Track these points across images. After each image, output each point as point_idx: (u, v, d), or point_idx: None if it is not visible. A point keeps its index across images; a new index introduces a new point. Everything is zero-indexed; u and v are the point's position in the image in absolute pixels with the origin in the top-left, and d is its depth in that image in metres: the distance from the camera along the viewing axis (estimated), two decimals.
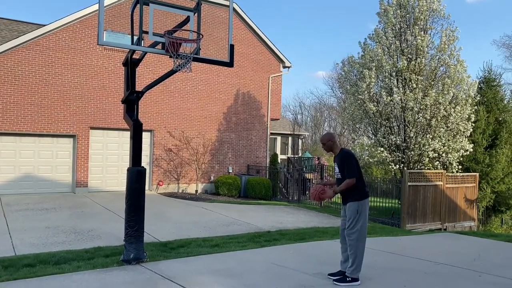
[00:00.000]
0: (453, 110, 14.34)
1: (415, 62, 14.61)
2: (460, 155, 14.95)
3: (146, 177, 7.86)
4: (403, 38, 15.08)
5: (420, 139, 14.51)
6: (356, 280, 4.88)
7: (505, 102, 18.78)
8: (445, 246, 7.65)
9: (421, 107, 14.20)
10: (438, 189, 13.61)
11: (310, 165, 20.06)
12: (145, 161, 13.34)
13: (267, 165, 17.70)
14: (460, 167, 15.31)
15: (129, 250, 5.58)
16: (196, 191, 15.80)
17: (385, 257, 6.37)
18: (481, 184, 16.13)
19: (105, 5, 12.97)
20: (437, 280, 5.20)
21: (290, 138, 25.91)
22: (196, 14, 5.73)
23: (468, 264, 5.98)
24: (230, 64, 5.84)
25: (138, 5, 5.36)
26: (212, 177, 16.37)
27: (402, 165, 14.86)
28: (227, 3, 14.28)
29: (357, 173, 4.97)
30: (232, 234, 8.20)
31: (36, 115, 13.00)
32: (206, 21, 15.58)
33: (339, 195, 5.20)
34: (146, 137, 14.74)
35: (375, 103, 14.99)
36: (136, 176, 5.69)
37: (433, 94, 14.12)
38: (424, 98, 14.25)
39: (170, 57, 5.39)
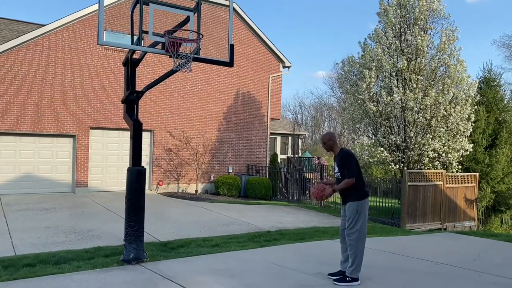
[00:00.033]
0: (453, 110, 14.35)
1: (415, 62, 14.61)
2: (460, 155, 14.96)
3: (146, 177, 7.86)
4: (403, 38, 15.08)
5: (420, 139, 14.51)
6: (356, 280, 4.88)
7: (505, 102, 18.78)
8: (445, 246, 7.65)
9: (421, 107, 14.21)
10: (438, 189, 13.61)
11: (310, 165, 20.07)
12: (145, 161, 13.33)
13: (267, 165, 17.70)
14: (460, 167, 15.31)
15: (129, 250, 5.58)
16: (196, 191, 15.80)
17: (385, 257, 6.37)
18: (481, 184, 16.13)
19: (105, 5, 12.98)
20: (437, 280, 5.20)
21: (290, 138, 25.92)
22: (196, 14, 5.73)
23: (468, 264, 5.98)
24: (230, 64, 5.84)
25: (138, 5, 5.36)
26: (212, 177, 16.37)
27: (402, 165, 14.87)
28: (227, 3, 14.28)
29: (356, 173, 4.97)
30: (232, 234, 8.20)
31: (36, 115, 13.00)
32: (206, 21, 15.58)
33: (339, 195, 5.21)
34: (146, 137, 14.74)
35: (375, 103, 15.00)
36: (136, 176, 5.69)
37: (433, 94, 14.12)
38: (424, 98, 14.26)
39: (170, 57, 5.39)
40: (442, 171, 13.94)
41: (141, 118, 7.02)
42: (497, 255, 6.81)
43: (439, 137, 14.57)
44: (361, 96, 14.97)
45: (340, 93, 33.96)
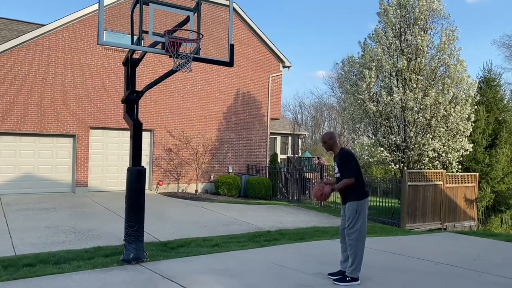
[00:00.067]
0: (453, 110, 14.35)
1: (415, 62, 14.61)
2: (460, 154, 14.96)
3: (146, 177, 7.86)
4: (403, 38, 15.08)
5: (420, 139, 14.51)
6: (356, 279, 4.88)
7: (505, 101, 18.79)
8: (445, 245, 7.65)
9: (421, 107, 14.21)
10: (438, 188, 13.62)
11: (310, 164, 20.07)
12: (145, 161, 13.33)
13: (267, 165, 17.70)
14: (460, 166, 15.32)
15: (129, 250, 5.58)
16: (196, 190, 15.80)
17: (385, 257, 6.37)
18: (481, 184, 16.14)
19: (105, 4, 12.98)
20: (437, 280, 5.20)
21: (290, 138, 25.91)
22: (196, 14, 5.73)
23: (468, 264, 5.98)
24: (230, 63, 5.85)
25: (138, 5, 5.36)
26: (212, 177, 16.37)
27: (402, 164, 14.87)
28: (227, 2, 14.27)
29: (356, 173, 4.97)
30: (232, 234, 8.20)
31: (36, 114, 13.00)
32: (206, 21, 15.58)
33: (339, 194, 5.21)
34: (146, 136, 14.73)
35: (375, 103, 15.00)
36: (136, 176, 5.70)
37: (433, 94, 14.12)
38: (424, 98, 14.26)
39: (170, 57, 5.39)
40: (442, 171, 13.95)
41: (141, 118, 7.02)
42: (497, 255, 6.81)
43: (439, 137, 14.58)
44: (361, 96, 14.97)
45: (340, 93, 33.96)
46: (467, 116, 14.72)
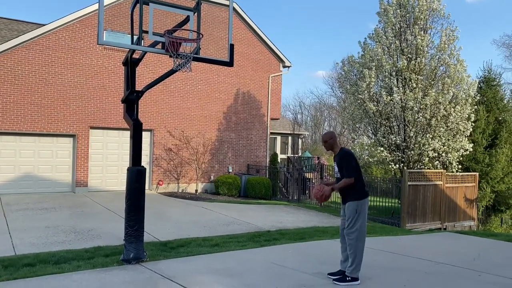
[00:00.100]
0: (453, 109, 14.35)
1: (415, 62, 14.61)
2: (460, 154, 14.96)
3: (146, 177, 7.86)
4: (403, 37, 15.08)
5: (420, 139, 14.51)
6: (355, 279, 4.88)
7: (505, 101, 18.79)
8: (445, 245, 7.65)
9: (421, 106, 14.21)
10: (438, 188, 13.62)
11: (310, 164, 20.07)
12: (145, 161, 13.33)
13: (267, 165, 17.70)
14: (460, 166, 15.32)
15: (129, 250, 5.58)
16: (196, 190, 15.80)
17: (385, 257, 6.37)
18: (481, 184, 16.14)
19: (105, 4, 12.98)
20: (437, 280, 5.20)
21: (290, 138, 25.91)
22: (196, 14, 5.73)
23: (468, 264, 5.98)
24: (230, 63, 5.84)
25: (138, 5, 5.35)
26: (212, 177, 16.37)
27: (402, 164, 14.87)
28: (227, 2, 14.28)
29: (356, 172, 4.97)
30: (232, 234, 8.20)
31: (36, 114, 13.00)
32: (206, 20, 15.58)
33: (339, 194, 5.21)
34: (146, 136, 14.73)
35: (375, 103, 14.99)
36: (136, 176, 5.70)
37: (433, 93, 14.12)
38: (424, 98, 14.25)
39: (170, 56, 5.39)
40: (442, 170, 13.95)
41: (141, 117, 7.02)
42: (497, 254, 6.81)
43: (439, 136, 14.58)
44: (361, 96, 14.97)
45: (340, 92, 33.97)
46: (467, 116, 14.72)
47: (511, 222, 17.91)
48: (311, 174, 18.19)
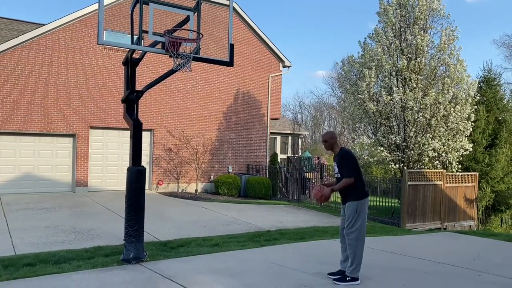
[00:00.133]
0: (453, 109, 14.35)
1: (415, 62, 14.61)
2: (460, 154, 14.96)
3: (146, 177, 7.86)
4: (403, 37, 15.08)
5: (420, 139, 14.51)
6: (355, 279, 4.88)
7: (505, 101, 18.79)
8: (445, 245, 7.65)
9: (421, 106, 14.21)
10: (438, 188, 13.62)
11: (310, 164, 20.06)
12: (145, 161, 13.33)
13: (267, 165, 17.70)
14: (459, 166, 15.32)
15: (129, 250, 5.58)
16: (196, 190, 15.80)
17: (385, 257, 6.37)
18: (481, 184, 16.14)
19: (104, 4, 12.98)
20: (437, 280, 5.20)
21: (290, 138, 25.91)
22: (196, 14, 5.73)
23: (468, 264, 5.98)
24: (230, 63, 5.84)
25: (138, 5, 5.35)
26: (212, 177, 16.37)
27: (402, 164, 14.87)
28: (227, 2, 14.28)
29: (355, 173, 4.97)
30: (232, 234, 8.20)
31: (36, 114, 13.00)
32: (206, 20, 15.57)
33: (339, 194, 5.21)
34: (146, 136, 14.73)
35: (375, 103, 14.99)
36: (136, 176, 5.70)
37: (433, 93, 14.12)
38: (424, 98, 14.25)
39: (170, 56, 5.39)
40: (442, 170, 13.95)
41: (141, 117, 7.02)
42: (497, 254, 6.81)
43: (439, 136, 14.58)
44: (361, 96, 14.97)
45: (340, 92, 33.98)
46: (467, 115, 14.72)
47: (511, 222, 17.91)
48: (311, 174, 18.18)
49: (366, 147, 15.51)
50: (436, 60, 14.90)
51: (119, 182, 14.24)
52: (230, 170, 16.81)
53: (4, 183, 12.63)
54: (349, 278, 4.87)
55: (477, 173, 15.23)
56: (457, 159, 15.02)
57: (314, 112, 47.54)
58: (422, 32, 14.75)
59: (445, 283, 5.07)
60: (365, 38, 16.12)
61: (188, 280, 4.90)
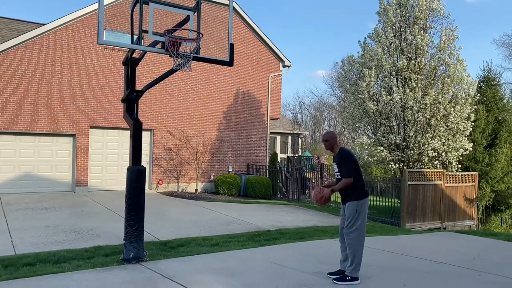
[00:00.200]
0: (452, 109, 14.35)
1: (415, 61, 14.61)
2: (460, 154, 14.96)
3: (146, 176, 7.86)
4: (403, 37, 15.08)
5: (419, 138, 14.51)
6: (355, 279, 4.88)
7: (505, 101, 18.80)
8: (445, 245, 7.66)
9: (421, 106, 14.21)
10: (438, 188, 13.62)
11: (310, 164, 20.05)
12: (145, 160, 13.32)
13: (267, 164, 17.70)
14: (459, 166, 15.32)
15: (129, 249, 5.59)
16: (196, 190, 15.80)
17: (384, 256, 6.37)
18: (481, 183, 16.15)
19: (104, 4, 12.98)
20: (437, 279, 5.20)
21: (290, 137, 25.90)
22: (196, 13, 5.73)
23: (467, 263, 5.99)
24: (230, 63, 5.85)
25: (138, 4, 5.36)
26: (212, 176, 16.37)
27: (402, 164, 14.87)
28: (227, 2, 14.27)
29: (355, 172, 4.97)
30: (232, 233, 8.21)
31: (36, 114, 13.00)
32: (206, 20, 15.57)
33: (339, 194, 5.21)
34: (146, 136, 14.73)
35: (374, 102, 14.99)
36: (136, 175, 5.70)
37: (433, 93, 14.12)
38: (423, 97, 14.26)
39: (170, 56, 5.39)
40: (442, 170, 13.95)
41: (141, 117, 7.02)
42: (497, 254, 6.82)
43: (439, 136, 14.58)
44: (360, 95, 14.97)
45: (340, 92, 33.97)
46: (466, 115, 14.72)
47: (511, 221, 17.92)
48: (311, 174, 18.18)
49: (366, 147, 15.51)
50: (436, 60, 14.90)
51: (119, 182, 14.24)
52: (230, 170, 16.81)
53: (4, 183, 12.63)
54: (349, 278, 4.87)
55: (477, 173, 15.24)
56: (457, 159, 15.02)
57: (314, 112, 47.57)
58: (422, 31, 14.75)
59: (445, 283, 5.08)
60: (365, 38, 16.13)
61: (188, 280, 4.90)
